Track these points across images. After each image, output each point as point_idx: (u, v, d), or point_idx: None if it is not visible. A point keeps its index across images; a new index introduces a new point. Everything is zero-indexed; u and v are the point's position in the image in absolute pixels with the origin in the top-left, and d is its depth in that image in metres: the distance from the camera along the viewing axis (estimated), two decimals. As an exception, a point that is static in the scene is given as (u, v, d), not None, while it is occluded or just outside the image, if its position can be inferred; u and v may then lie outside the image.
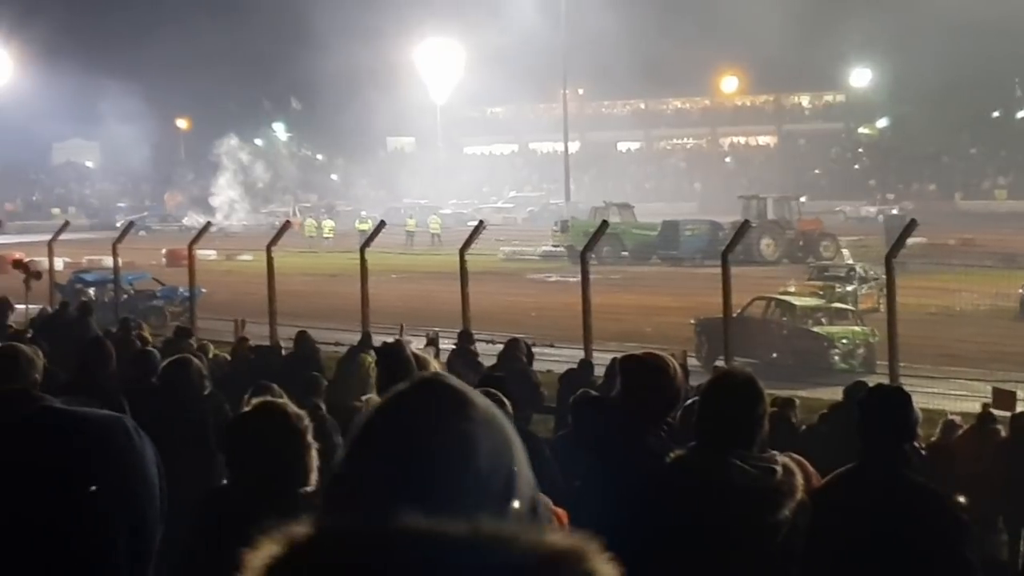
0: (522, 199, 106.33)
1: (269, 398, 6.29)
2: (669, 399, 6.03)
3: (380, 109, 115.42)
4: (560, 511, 5.52)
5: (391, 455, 2.00)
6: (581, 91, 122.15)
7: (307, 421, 5.39)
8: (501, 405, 6.41)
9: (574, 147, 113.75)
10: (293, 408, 5.49)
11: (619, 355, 6.85)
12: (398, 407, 2.06)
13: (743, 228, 24.36)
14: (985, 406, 16.18)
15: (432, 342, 19.70)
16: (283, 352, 20.15)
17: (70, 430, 2.40)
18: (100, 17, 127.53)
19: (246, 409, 5.65)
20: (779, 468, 5.24)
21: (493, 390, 6.89)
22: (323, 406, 12.23)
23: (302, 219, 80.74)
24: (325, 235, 75.29)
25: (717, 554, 5.18)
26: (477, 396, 2.06)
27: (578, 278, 23.66)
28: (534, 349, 18.31)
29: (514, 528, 1.62)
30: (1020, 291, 38.39)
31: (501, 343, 18.44)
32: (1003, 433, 14.92)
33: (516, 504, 1.98)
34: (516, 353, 16.92)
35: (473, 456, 1.98)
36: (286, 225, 29.01)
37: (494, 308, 33.30)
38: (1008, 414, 16.15)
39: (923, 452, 10.71)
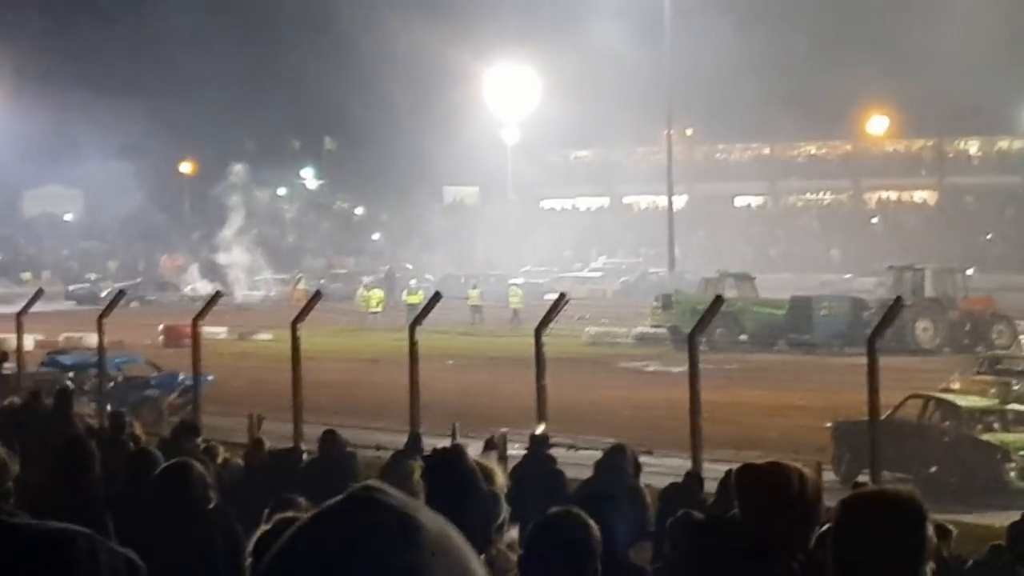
0: (613, 267, 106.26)
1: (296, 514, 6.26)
2: (798, 521, 5.95)
3: (436, 152, 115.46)
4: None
5: None
6: (689, 132, 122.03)
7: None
8: (586, 530, 6.56)
9: (680, 202, 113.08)
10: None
11: (736, 466, 6.82)
12: (324, 531, 2.03)
13: (894, 307, 24.21)
14: None
15: (492, 445, 19.62)
16: (305, 457, 20.18)
17: (9, 551, 2.37)
18: (85, 38, 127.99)
19: (270, 527, 5.61)
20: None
21: (577, 511, 6.90)
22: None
23: (305, 288, 79.45)
24: (372, 308, 74.90)
25: None
26: (426, 515, 2.03)
27: (684, 368, 23.60)
28: (628, 457, 18.24)
29: None
30: None
31: (585, 449, 18.40)
32: None
33: None
34: (621, 464, 16.63)
35: None
36: (316, 297, 29.02)
37: (577, 405, 33.27)
38: None
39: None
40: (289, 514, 6.14)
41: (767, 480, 6.04)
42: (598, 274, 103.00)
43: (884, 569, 5.09)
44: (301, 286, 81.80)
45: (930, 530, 5.24)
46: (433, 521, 2.02)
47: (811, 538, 6.02)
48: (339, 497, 2.05)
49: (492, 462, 8.20)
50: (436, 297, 27.65)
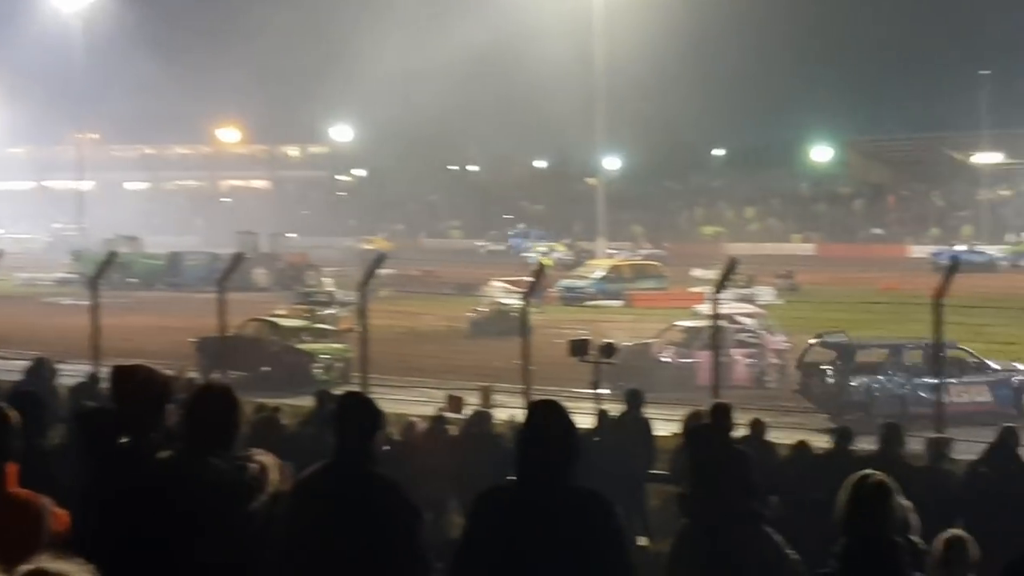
0: (39, 231, 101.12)
1: None
2: (145, 404, 5.76)
3: None
4: (62, 512, 5.33)
5: None
6: (95, 136, 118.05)
7: None
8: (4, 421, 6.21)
9: (89, 186, 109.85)
10: None
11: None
12: None
13: (238, 259, 24.10)
14: (440, 409, 16.74)
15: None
16: None
17: None
18: None
19: None
20: (254, 465, 5.20)
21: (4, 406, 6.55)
22: None
23: None
24: None
25: (185, 543, 5.08)
26: None
27: (90, 302, 22.96)
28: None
29: None
30: (470, 315, 39.97)
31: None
32: (453, 432, 15.48)
33: None
34: (42, 371, 16.21)
35: None
36: None
37: (11, 329, 32.16)
38: (458, 415, 16.89)
39: (387, 448, 10.88)
40: None
41: (117, 375, 5.93)
42: (28, 236, 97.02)
43: (208, 433, 5.19)
44: None
45: (241, 409, 5.42)
46: None
47: (162, 417, 5.81)
48: None
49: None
50: None
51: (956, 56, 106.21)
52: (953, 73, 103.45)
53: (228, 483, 5.13)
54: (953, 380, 23.66)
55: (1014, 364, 26.16)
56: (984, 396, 25.11)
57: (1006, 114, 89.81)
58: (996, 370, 25.61)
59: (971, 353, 25.64)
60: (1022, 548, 5.29)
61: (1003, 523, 10.25)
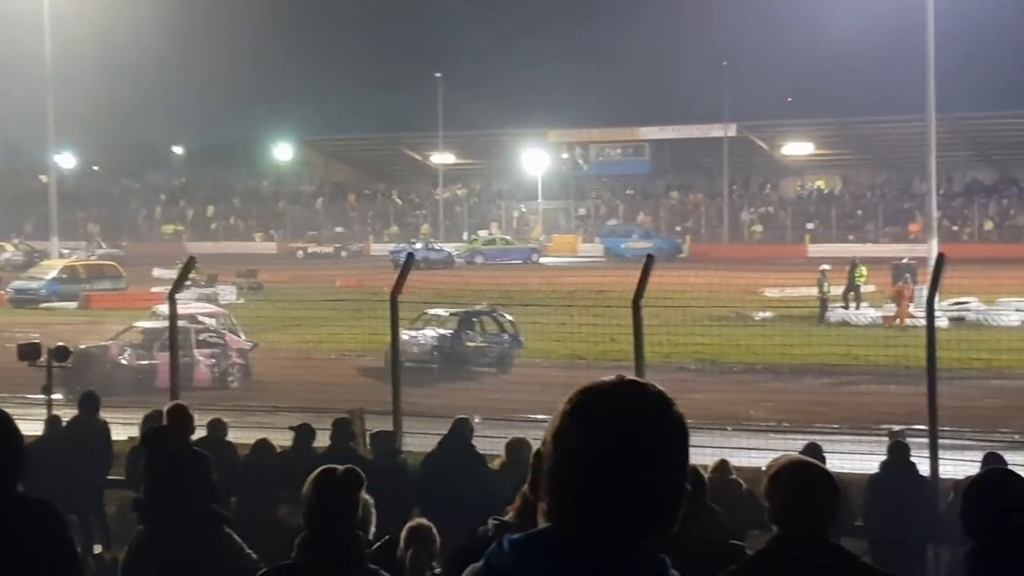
0: None
1: None
2: None
3: None
4: None
5: None
6: None
7: None
8: None
9: None
10: None
11: None
12: None
13: None
14: None
15: None
16: None
17: None
18: None
19: None
20: None
21: None
22: None
23: None
24: None
25: None
26: None
27: None
28: None
29: None
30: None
31: None
32: None
33: None
34: None
35: None
36: None
37: None
38: None
39: None
40: None
41: None
42: None
43: None
44: None
45: None
46: None
47: None
48: None
49: None
50: None
51: (414, 59, 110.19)
52: (411, 75, 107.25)
53: None
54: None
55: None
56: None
57: (459, 116, 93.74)
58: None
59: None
60: (467, 537, 5.55)
61: (458, 513, 10.72)
